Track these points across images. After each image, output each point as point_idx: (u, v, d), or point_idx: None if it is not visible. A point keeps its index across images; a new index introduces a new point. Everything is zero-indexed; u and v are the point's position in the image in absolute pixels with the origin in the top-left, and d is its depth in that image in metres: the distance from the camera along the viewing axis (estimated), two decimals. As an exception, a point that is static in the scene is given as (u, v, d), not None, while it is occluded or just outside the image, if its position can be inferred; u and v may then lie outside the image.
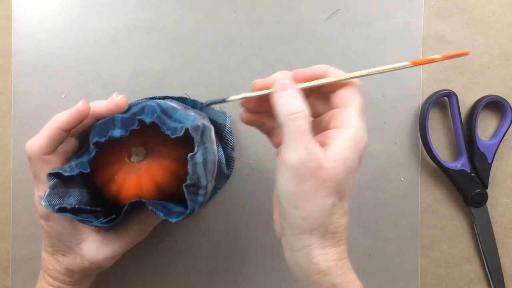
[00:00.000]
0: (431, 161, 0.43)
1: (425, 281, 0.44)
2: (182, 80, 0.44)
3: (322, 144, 0.28)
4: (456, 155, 0.45)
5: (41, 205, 0.31)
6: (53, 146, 0.32)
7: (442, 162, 0.43)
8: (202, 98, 0.44)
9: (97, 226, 0.34)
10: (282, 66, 0.44)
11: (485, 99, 0.43)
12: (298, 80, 0.31)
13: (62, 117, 0.32)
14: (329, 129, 0.30)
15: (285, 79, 0.30)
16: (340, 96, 0.30)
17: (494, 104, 0.44)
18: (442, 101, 0.45)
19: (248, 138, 0.44)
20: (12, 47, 0.44)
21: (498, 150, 0.43)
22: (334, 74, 0.30)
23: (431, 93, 0.44)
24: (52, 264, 0.35)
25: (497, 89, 0.44)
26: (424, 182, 0.44)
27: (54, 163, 0.32)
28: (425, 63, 0.27)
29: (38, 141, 0.32)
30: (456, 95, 0.43)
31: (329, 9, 0.44)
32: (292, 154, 0.28)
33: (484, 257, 0.44)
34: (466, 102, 0.44)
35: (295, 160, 0.27)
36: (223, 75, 0.44)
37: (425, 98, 0.44)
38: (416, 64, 0.27)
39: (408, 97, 0.44)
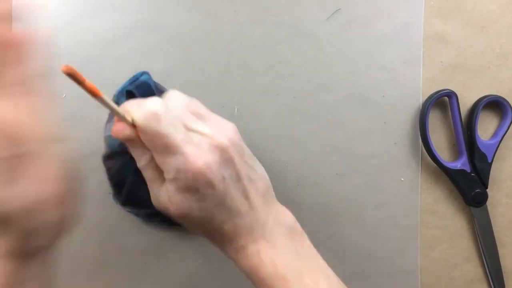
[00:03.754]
0: (431, 161, 0.43)
1: (425, 281, 0.44)
2: (182, 80, 0.44)
3: None
4: (456, 155, 0.45)
5: None
6: None
7: (442, 162, 0.43)
8: (202, 98, 0.44)
9: None
10: (282, 66, 0.44)
11: (485, 99, 0.43)
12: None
13: None
14: None
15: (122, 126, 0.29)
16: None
17: (494, 104, 0.44)
18: (442, 101, 0.45)
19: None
20: (12, 47, 0.44)
21: (498, 150, 0.43)
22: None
23: (431, 93, 0.44)
24: None
25: (497, 89, 0.44)
26: (424, 182, 0.44)
27: None
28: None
29: None
30: (456, 95, 0.43)
31: (329, 9, 0.44)
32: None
33: (484, 257, 0.44)
34: (466, 102, 0.44)
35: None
36: (223, 75, 0.44)
37: (425, 98, 0.44)
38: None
39: (408, 97, 0.44)
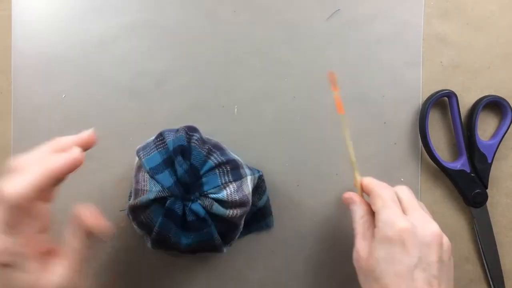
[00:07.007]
0: (431, 161, 0.43)
1: (425, 281, 0.44)
2: (182, 80, 0.44)
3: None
4: (456, 155, 0.45)
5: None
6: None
7: (442, 162, 0.43)
8: (202, 98, 0.44)
9: None
10: (282, 66, 0.44)
11: (485, 99, 0.43)
12: None
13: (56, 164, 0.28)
14: None
15: (351, 193, 0.38)
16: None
17: (494, 104, 0.44)
18: (442, 101, 0.45)
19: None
20: (12, 47, 0.44)
21: (498, 150, 0.43)
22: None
23: (431, 93, 0.44)
24: None
25: (497, 89, 0.44)
26: (424, 182, 0.45)
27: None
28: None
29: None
30: (456, 95, 0.43)
31: (329, 9, 0.44)
32: None
33: (484, 257, 0.44)
34: (466, 102, 0.44)
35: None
36: (223, 75, 0.44)
37: (425, 98, 0.44)
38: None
39: (408, 97, 0.44)
